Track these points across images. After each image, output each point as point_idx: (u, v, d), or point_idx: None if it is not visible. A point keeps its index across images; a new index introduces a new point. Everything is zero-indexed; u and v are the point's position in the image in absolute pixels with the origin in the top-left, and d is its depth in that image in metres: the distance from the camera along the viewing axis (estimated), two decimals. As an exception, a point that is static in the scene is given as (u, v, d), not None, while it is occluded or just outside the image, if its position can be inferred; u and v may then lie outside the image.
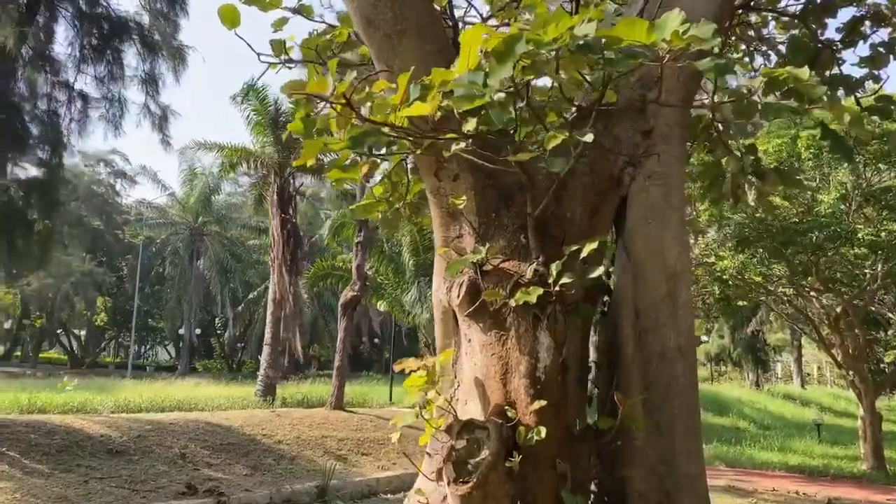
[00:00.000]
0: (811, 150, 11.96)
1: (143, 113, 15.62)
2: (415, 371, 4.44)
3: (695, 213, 6.96)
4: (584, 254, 4.27)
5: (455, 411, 4.40)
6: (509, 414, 4.26)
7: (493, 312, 4.54)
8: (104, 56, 13.94)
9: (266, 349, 19.85)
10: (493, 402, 4.43)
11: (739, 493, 11.10)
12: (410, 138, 4.10)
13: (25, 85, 13.39)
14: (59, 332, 60.58)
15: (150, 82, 15.29)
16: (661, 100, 4.68)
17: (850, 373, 15.49)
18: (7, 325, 56.39)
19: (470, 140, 4.42)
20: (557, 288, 4.15)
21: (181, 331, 48.49)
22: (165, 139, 16.20)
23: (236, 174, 24.11)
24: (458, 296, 4.70)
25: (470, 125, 4.10)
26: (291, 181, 20.23)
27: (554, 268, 4.19)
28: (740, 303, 18.41)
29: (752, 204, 7.06)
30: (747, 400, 32.54)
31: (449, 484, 4.02)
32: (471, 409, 4.58)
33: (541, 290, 4.12)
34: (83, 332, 63.24)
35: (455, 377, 4.89)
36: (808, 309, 15.93)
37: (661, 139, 5.00)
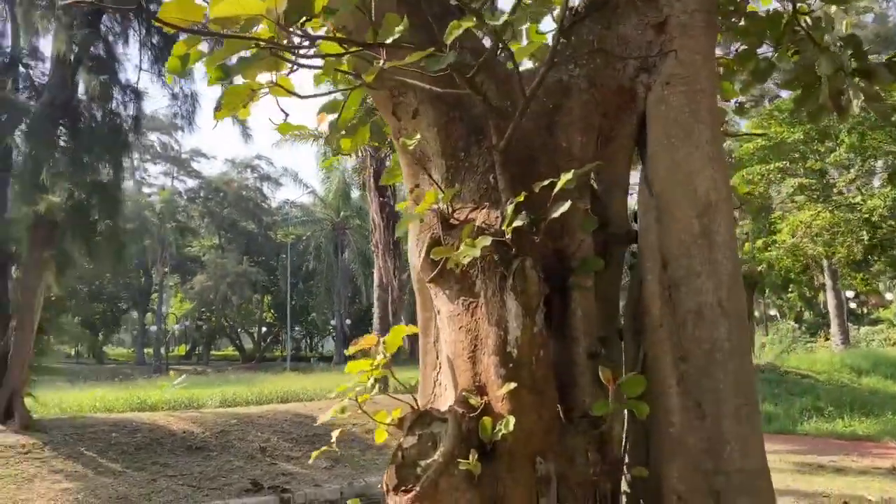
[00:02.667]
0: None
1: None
2: (370, 351, 3.59)
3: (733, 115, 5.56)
4: (558, 187, 3.23)
5: (416, 400, 3.53)
6: (472, 401, 3.34)
7: (459, 276, 3.62)
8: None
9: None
10: (459, 386, 3.53)
11: (905, 477, 9.27)
12: (298, 54, 3.25)
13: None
14: (229, 330, 65.24)
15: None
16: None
17: None
18: (180, 326, 61.51)
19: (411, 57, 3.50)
20: (509, 235, 3.15)
21: (332, 322, 50.34)
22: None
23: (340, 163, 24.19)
24: (419, 257, 3.83)
25: (388, 31, 3.19)
26: (388, 163, 19.89)
27: (509, 209, 3.20)
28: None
29: (859, 112, 5.54)
30: (947, 360, 28.36)
31: (388, 493, 3.18)
32: (449, 397, 3.70)
33: (488, 241, 3.15)
34: (254, 330, 67.73)
35: (437, 358, 4.03)
36: None
37: (679, 31, 3.83)
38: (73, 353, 66.58)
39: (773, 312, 51.92)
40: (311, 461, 3.67)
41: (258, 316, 65.06)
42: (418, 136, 3.84)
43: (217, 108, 3.71)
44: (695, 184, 3.69)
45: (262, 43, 2.94)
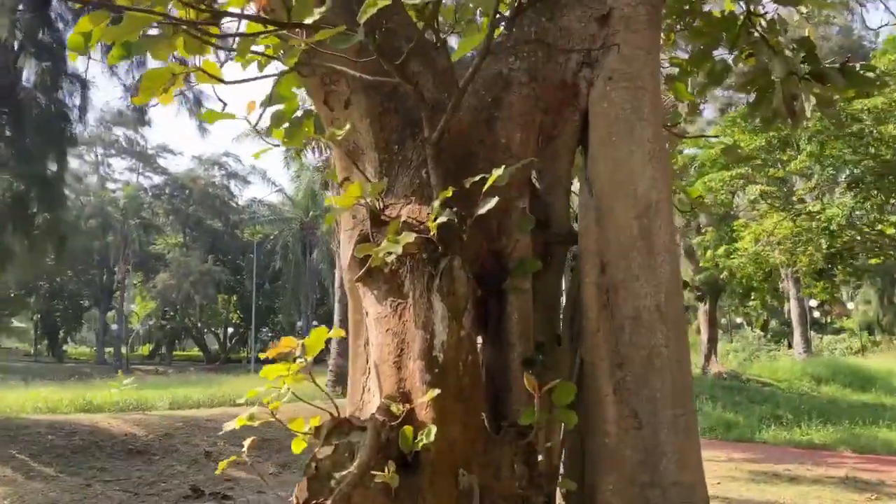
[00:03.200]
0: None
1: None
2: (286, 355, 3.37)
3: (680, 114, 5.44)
4: (489, 183, 3.06)
5: (337, 406, 3.32)
6: (393, 409, 3.14)
7: (388, 276, 3.43)
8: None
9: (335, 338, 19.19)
10: (384, 392, 3.33)
11: (860, 487, 9.25)
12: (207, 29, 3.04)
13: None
14: (194, 330, 64.14)
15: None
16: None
17: None
18: (143, 326, 60.31)
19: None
20: (434, 231, 2.97)
21: (300, 323, 49.77)
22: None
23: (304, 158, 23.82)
24: (348, 255, 3.64)
25: (303, 10, 2.99)
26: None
27: (436, 205, 3.01)
28: (872, 261, 15.82)
29: (816, 119, 5.47)
30: (900, 372, 28.79)
31: (298, 507, 2.97)
32: (378, 404, 3.50)
33: (411, 237, 2.96)
34: (220, 331, 66.67)
35: (367, 362, 3.83)
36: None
37: (622, 25, 3.69)
38: (32, 351, 65.05)
39: (739, 320, 52.54)
40: (218, 472, 3.45)
41: (224, 316, 64.09)
42: (347, 127, 3.65)
43: (134, 93, 3.46)
44: (635, 183, 3.54)
45: (166, 18, 2.72)
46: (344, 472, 3.01)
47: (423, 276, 3.17)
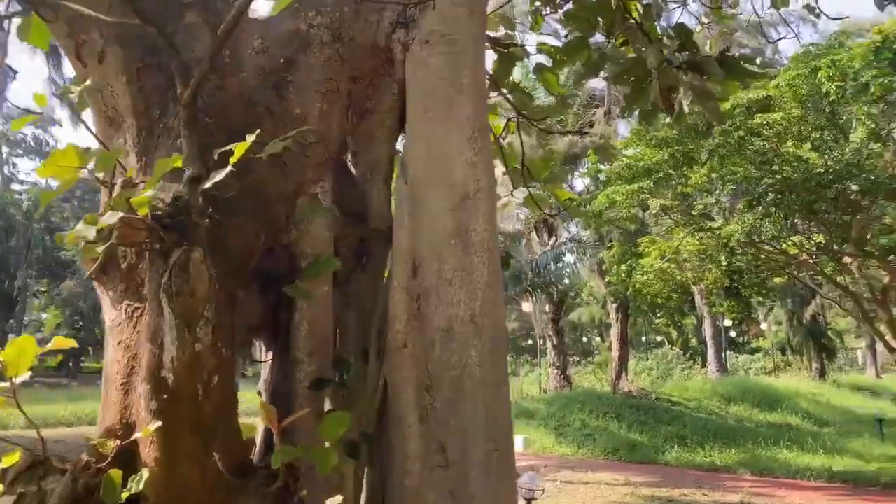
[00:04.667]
0: (836, 83, 9.44)
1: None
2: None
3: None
4: (238, 154, 2.36)
5: (42, 439, 2.54)
6: (104, 447, 2.41)
7: (125, 273, 2.71)
8: None
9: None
10: (104, 423, 2.59)
11: (752, 512, 8.93)
12: None
13: None
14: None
15: None
16: None
17: (905, 358, 12.76)
18: (42, 335, 56.94)
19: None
20: (149, 213, 2.26)
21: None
22: None
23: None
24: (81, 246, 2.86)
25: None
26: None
27: (152, 183, 2.30)
28: (776, 280, 15.88)
29: (689, 110, 5.03)
30: (806, 392, 29.23)
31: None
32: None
33: (115, 218, 2.25)
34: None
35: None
36: (846, 280, 13.26)
37: (442, -22, 3.07)
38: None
39: (660, 338, 53.19)
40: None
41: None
42: (88, 83, 2.92)
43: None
44: (451, 169, 2.93)
45: None
46: (23, 532, 2.26)
47: (158, 273, 2.44)
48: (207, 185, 2.20)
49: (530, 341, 46.18)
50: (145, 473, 2.26)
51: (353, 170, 3.41)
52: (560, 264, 19.94)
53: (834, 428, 22.01)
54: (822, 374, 38.43)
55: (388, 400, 2.98)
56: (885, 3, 5.29)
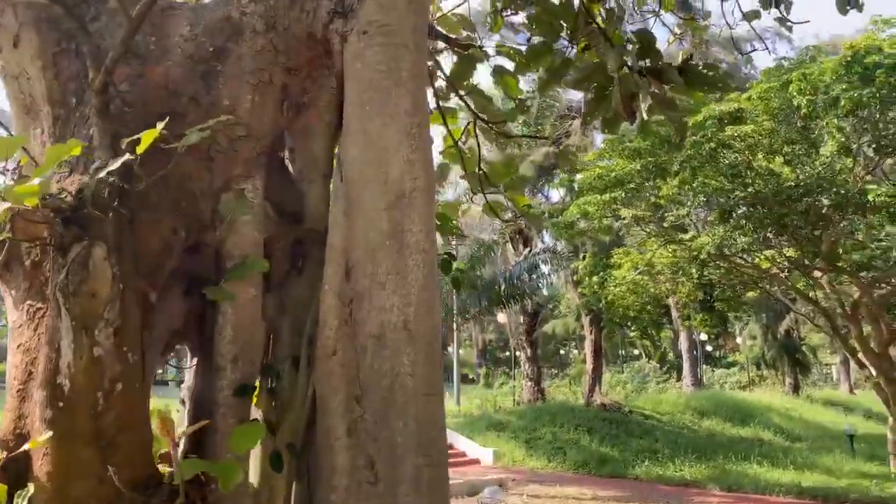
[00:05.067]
0: (807, 97, 9.40)
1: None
2: None
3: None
4: (145, 144, 2.19)
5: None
6: (-12, 456, 2.21)
7: (29, 270, 2.52)
8: None
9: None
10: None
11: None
12: None
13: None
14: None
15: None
16: None
17: (874, 373, 12.80)
18: None
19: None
20: (52, 206, 2.08)
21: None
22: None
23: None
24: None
25: None
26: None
27: (41, 171, 2.12)
28: (749, 293, 15.85)
29: (648, 117, 4.92)
30: (779, 407, 29.31)
31: None
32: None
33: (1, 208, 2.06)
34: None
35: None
36: (817, 295, 13.25)
37: (382, -34, 2.92)
38: None
39: (637, 351, 53.26)
40: None
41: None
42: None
43: None
44: (387, 166, 2.77)
45: None
46: None
47: (58, 271, 2.26)
48: (102, 174, 2.02)
49: (507, 353, 46.00)
50: (31, 488, 2.06)
51: (290, 167, 3.25)
52: (534, 275, 19.81)
53: (805, 443, 22.05)
54: (795, 389, 38.62)
55: (317, 410, 2.80)
56: (848, 7, 5.24)
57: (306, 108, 3.12)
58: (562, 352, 52.84)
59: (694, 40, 8.98)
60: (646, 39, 4.60)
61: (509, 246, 24.31)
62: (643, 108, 4.80)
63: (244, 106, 2.87)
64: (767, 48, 9.29)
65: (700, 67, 4.73)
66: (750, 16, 6.49)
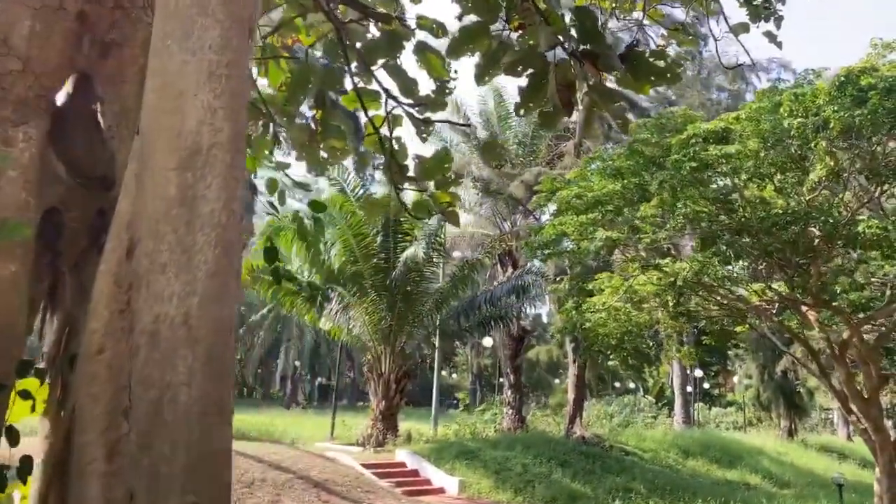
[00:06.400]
0: (798, 118, 8.76)
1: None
2: None
3: None
4: None
5: None
6: None
7: None
8: None
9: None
10: None
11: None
12: None
13: None
14: None
15: None
16: None
17: (862, 420, 12.00)
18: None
19: None
20: None
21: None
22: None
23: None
24: None
25: None
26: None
27: None
28: (738, 328, 15.12)
29: (580, 107, 4.31)
30: (770, 450, 28.35)
31: None
32: None
33: None
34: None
35: None
36: (804, 333, 12.47)
37: None
38: None
39: (632, 385, 52.15)
40: None
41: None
42: None
43: None
44: (183, 115, 2.16)
45: None
46: None
47: None
48: None
49: (502, 379, 44.96)
50: None
51: (101, 120, 2.65)
52: (520, 297, 19.09)
53: (794, 490, 21.17)
54: (790, 432, 37.57)
55: (75, 423, 2.18)
56: (776, 39, 5.12)
57: (117, 46, 2.54)
58: (556, 381, 51.78)
59: (679, 53, 8.41)
60: (587, 19, 4.03)
61: (499, 267, 23.63)
62: (578, 96, 4.22)
63: (20, 34, 2.28)
64: (753, 62, 8.68)
65: (646, 55, 4.15)
66: (738, 29, 5.95)
